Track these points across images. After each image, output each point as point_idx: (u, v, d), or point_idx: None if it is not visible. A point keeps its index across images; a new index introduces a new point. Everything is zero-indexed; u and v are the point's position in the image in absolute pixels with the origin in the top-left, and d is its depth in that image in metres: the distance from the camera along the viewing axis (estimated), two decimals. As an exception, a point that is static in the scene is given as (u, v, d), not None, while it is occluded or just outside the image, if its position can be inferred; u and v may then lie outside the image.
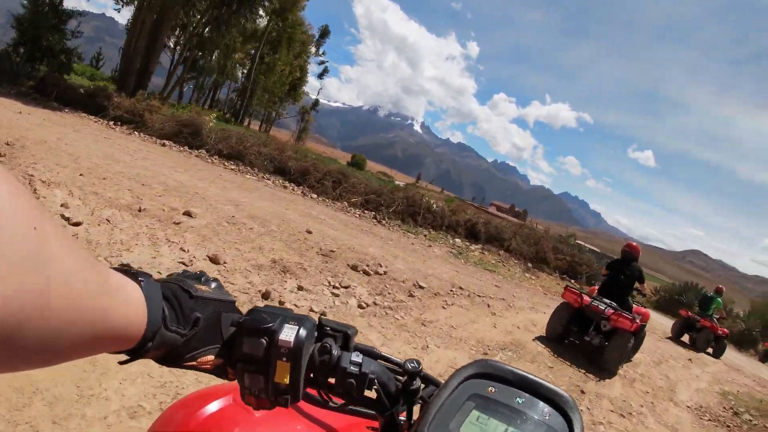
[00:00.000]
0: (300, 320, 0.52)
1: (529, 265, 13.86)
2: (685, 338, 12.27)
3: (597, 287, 7.14)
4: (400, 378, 0.61)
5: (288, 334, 0.50)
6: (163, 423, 0.80)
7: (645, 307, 7.41)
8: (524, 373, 0.54)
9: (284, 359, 0.49)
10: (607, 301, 6.20)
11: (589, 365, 5.89)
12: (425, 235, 12.47)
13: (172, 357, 0.50)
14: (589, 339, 6.03)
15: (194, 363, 0.52)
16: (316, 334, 0.55)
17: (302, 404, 0.80)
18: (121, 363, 0.47)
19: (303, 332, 0.50)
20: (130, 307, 0.40)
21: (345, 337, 0.57)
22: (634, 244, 6.89)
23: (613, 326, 5.84)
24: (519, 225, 15.84)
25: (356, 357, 0.56)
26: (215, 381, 0.64)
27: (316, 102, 47.82)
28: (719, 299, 12.06)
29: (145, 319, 0.43)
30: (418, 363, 0.59)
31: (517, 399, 0.52)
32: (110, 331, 0.37)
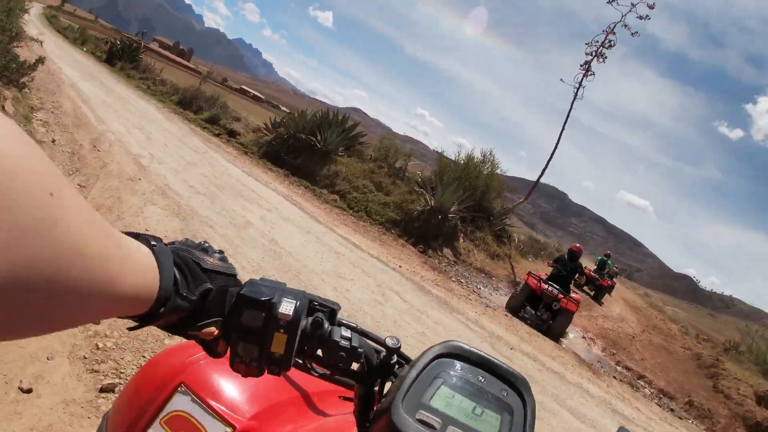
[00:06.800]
0: (296, 294, 0.53)
1: None
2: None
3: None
4: (380, 350, 0.64)
5: (287, 307, 0.51)
6: (157, 361, 0.87)
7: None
8: (486, 355, 0.58)
9: (282, 331, 0.51)
10: (557, 286, 8.13)
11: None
12: None
13: (181, 326, 0.51)
14: (540, 314, 7.96)
15: (198, 333, 0.53)
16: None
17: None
18: (130, 329, 0.47)
19: (301, 306, 0.52)
20: (142, 272, 0.40)
21: (332, 312, 0.59)
22: (578, 245, 9.15)
23: (561, 307, 7.75)
24: None
25: (345, 332, 0.59)
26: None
27: None
28: (609, 262, 17.54)
29: (157, 284, 0.43)
30: (398, 340, 0.63)
31: (480, 378, 0.56)
32: (120, 296, 0.37)
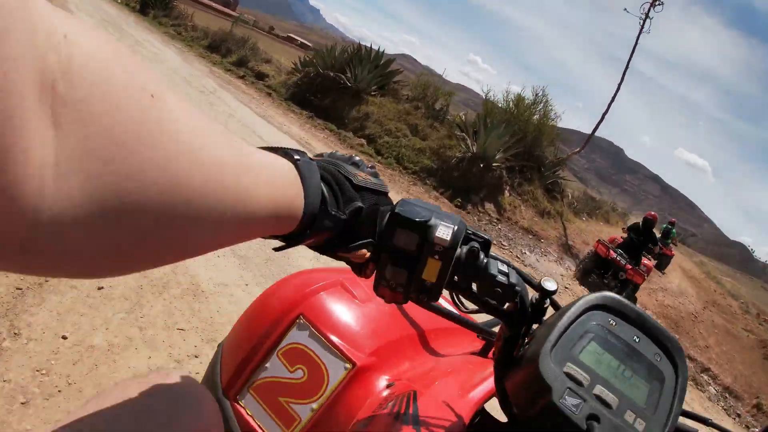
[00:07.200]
0: (454, 219, 0.49)
1: None
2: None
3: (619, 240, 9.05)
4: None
5: (445, 231, 0.47)
6: (275, 290, 0.84)
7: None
8: (645, 313, 0.53)
9: (436, 257, 0.47)
10: (625, 256, 7.87)
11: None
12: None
13: (329, 246, 0.47)
14: (607, 281, 7.73)
15: (349, 255, 0.49)
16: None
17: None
18: (276, 249, 0.44)
19: (459, 232, 0.48)
20: (282, 187, 0.37)
21: (485, 243, 0.53)
22: (653, 213, 8.71)
23: (627, 278, 7.58)
24: None
25: (502, 266, 0.53)
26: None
27: None
28: (674, 230, 16.57)
29: (302, 201, 0.39)
30: (556, 283, 0.56)
31: (634, 337, 0.52)
32: (258, 211, 0.34)
